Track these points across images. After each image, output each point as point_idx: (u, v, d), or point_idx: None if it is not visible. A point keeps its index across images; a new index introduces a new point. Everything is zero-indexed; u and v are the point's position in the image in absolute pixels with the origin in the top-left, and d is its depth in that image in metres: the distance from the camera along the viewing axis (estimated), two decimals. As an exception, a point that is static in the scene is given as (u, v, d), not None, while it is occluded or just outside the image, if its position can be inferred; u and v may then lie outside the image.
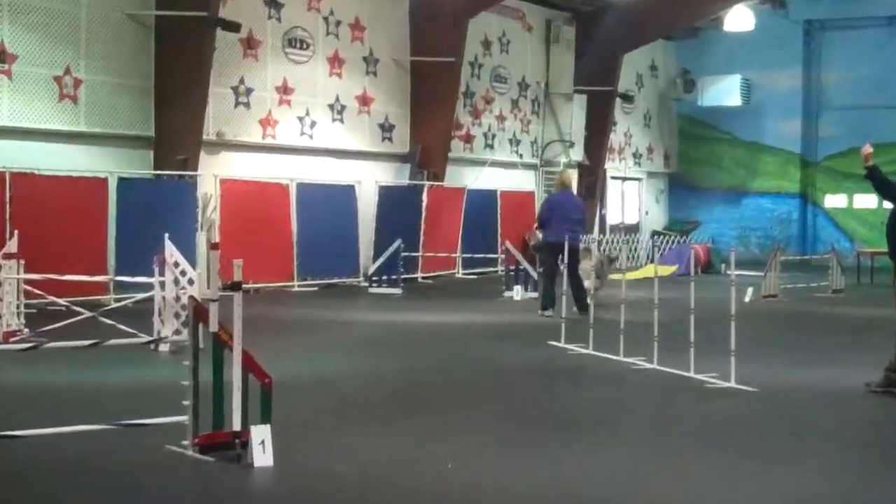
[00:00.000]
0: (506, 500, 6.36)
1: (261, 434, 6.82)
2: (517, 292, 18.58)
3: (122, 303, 13.87)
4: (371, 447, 7.49)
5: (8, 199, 15.54)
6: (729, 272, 10.37)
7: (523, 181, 26.92)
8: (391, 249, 19.61)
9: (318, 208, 20.17)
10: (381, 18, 22.77)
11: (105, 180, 16.86)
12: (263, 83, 20.36)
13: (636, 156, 31.68)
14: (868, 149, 9.89)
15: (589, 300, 14.76)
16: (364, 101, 22.50)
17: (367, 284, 20.23)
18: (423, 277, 22.42)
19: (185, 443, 6.98)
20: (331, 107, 21.80)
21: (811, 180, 31.62)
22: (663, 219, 32.93)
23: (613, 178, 30.54)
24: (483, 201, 24.33)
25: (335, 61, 21.85)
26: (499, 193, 25.02)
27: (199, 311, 7.08)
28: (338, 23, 21.91)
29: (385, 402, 9.39)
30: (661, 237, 28.96)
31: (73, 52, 17.19)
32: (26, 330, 12.50)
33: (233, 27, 18.82)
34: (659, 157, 32.72)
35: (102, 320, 12.31)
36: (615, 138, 30.28)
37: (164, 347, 11.53)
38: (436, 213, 22.70)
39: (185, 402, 6.98)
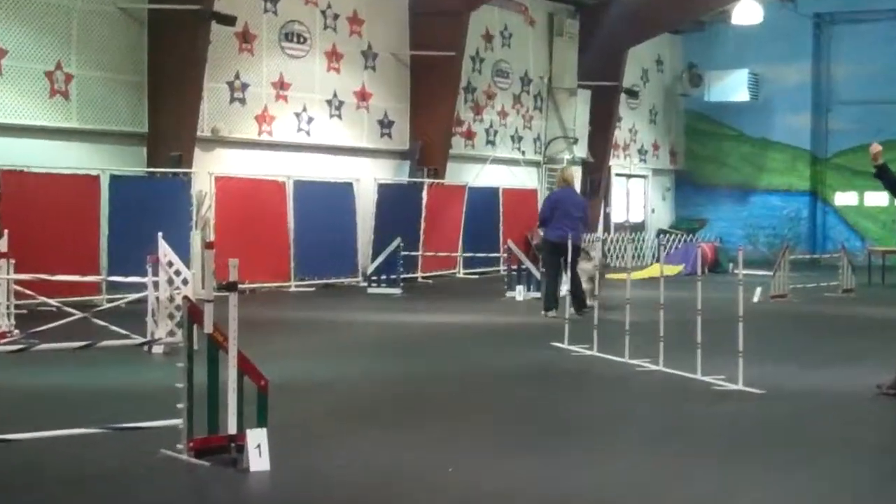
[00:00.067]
0: (508, 506, 6.37)
1: (257, 438, 6.82)
2: (519, 293, 18.58)
3: (115, 303, 13.88)
4: (370, 452, 7.49)
5: (-2, 198, 15.56)
6: (737, 272, 10.38)
7: (526, 178, 26.92)
8: (390, 248, 19.61)
9: (315, 206, 20.18)
10: (379, 12, 22.78)
11: (97, 178, 16.87)
12: (259, 78, 20.36)
13: (641, 152, 31.68)
14: (876, 147, 9.90)
15: (590, 301, 14.79)
16: (362, 96, 22.50)
17: (365, 284, 20.23)
18: (423, 277, 22.42)
19: (180, 447, 6.99)
20: (328, 102, 21.80)
21: (821, 177, 31.60)
22: (669, 217, 32.93)
23: (618, 175, 30.55)
24: (484, 199, 24.33)
25: (333, 56, 21.85)
26: (501, 191, 25.02)
27: (193, 312, 7.08)
28: (335, 16, 21.92)
29: (385, 406, 9.40)
30: (667, 236, 28.96)
31: (65, 46, 17.20)
32: (17, 331, 12.51)
33: (228, 21, 18.83)
34: (665, 154, 32.72)
35: (95, 321, 12.30)
36: (620, 134, 30.28)
37: (157, 349, 11.54)
38: (436, 211, 22.70)
39: (180, 405, 6.98)
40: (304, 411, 8.80)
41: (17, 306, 13.08)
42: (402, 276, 19.94)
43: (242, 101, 20.06)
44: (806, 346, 13.52)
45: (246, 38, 20.08)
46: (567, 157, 27.04)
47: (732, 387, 9.78)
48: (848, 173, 30.83)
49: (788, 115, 31.41)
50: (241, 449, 6.85)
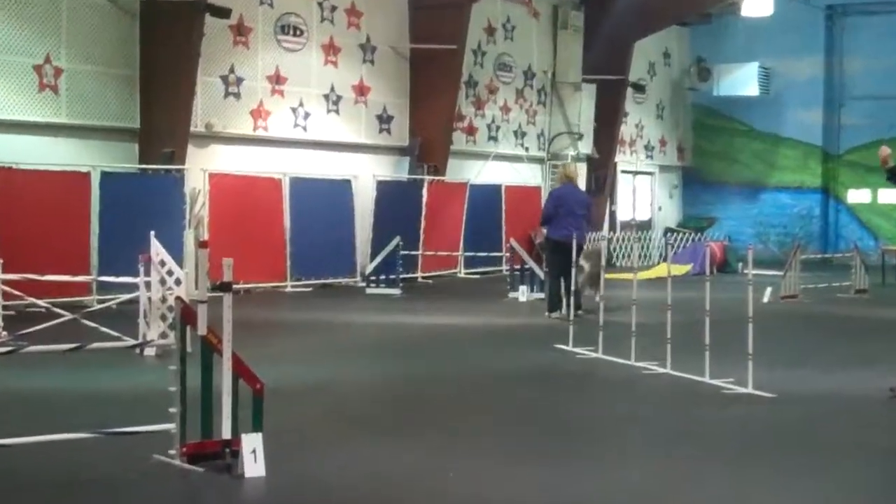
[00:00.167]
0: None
1: (252, 443, 6.82)
2: (523, 293, 18.58)
3: (106, 304, 13.88)
4: (369, 457, 7.49)
5: (-15, 195, 15.56)
6: (746, 271, 10.38)
7: (529, 175, 26.92)
8: (389, 248, 19.61)
9: (312, 204, 20.18)
10: (378, 3, 22.77)
11: (87, 175, 16.87)
12: (254, 72, 20.36)
13: (648, 149, 31.67)
14: (885, 151, 9.91)
15: (597, 298, 14.79)
16: (361, 90, 22.50)
17: (364, 285, 20.22)
18: (424, 277, 22.42)
19: (172, 452, 6.99)
20: (326, 97, 21.81)
21: (833, 174, 31.60)
22: (677, 215, 32.93)
23: (624, 172, 30.54)
24: (486, 197, 24.34)
25: (330, 49, 21.85)
26: (503, 188, 25.02)
27: (186, 313, 7.08)
28: (333, 8, 21.91)
29: (383, 410, 9.40)
30: (675, 235, 28.96)
31: (54, 39, 17.19)
32: (4, 333, 12.52)
33: (222, 13, 18.82)
34: (672, 150, 32.71)
35: (85, 323, 12.31)
36: (626, 130, 30.28)
37: (149, 351, 11.54)
38: (436, 209, 22.70)
39: (172, 409, 6.98)
40: (300, 415, 8.80)
41: (4, 307, 13.08)
42: (401, 276, 19.94)
43: (237, 95, 20.06)
44: (817, 348, 13.52)
45: (241, 30, 20.08)
46: (572, 153, 27.03)
47: (742, 390, 9.78)
48: (861, 170, 30.81)
49: (800, 111, 31.41)
50: (236, 454, 6.85)
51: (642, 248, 27.98)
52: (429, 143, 23.33)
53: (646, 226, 30.65)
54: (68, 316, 12.60)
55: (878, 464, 7.60)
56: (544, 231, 16.54)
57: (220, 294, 6.98)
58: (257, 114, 20.44)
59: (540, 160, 27.52)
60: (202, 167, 18.77)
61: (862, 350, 13.16)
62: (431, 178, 23.04)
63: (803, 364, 11.83)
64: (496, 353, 12.62)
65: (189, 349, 7.17)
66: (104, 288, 15.38)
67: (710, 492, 6.79)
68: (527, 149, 27.09)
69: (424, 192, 22.58)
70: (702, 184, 32.93)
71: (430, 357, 12.37)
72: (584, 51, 27.36)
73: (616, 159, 29.42)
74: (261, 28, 20.45)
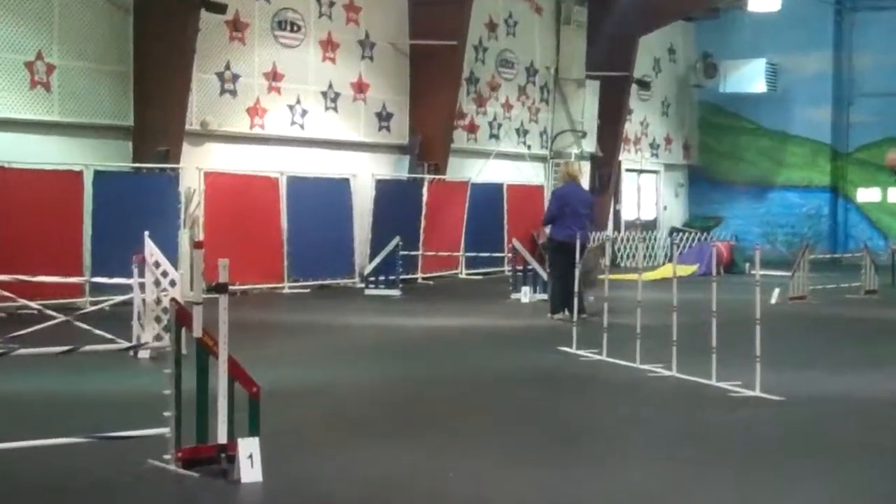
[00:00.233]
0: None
1: (248, 447, 6.82)
2: (525, 294, 18.59)
3: (99, 306, 13.88)
4: (368, 461, 7.50)
5: (-25, 195, 15.57)
6: (754, 272, 10.37)
7: (531, 174, 26.93)
8: (389, 248, 19.61)
9: (309, 204, 20.18)
10: (377, -1, 22.82)
11: (80, 174, 16.87)
12: (251, 69, 20.37)
13: (653, 147, 31.69)
14: (893, 159, 9.92)
15: (590, 297, 14.77)
16: (359, 87, 22.51)
17: (362, 286, 20.23)
18: (424, 278, 22.43)
19: (167, 457, 6.99)
20: (324, 94, 21.81)
21: (842, 173, 31.60)
22: (682, 215, 32.95)
23: (629, 170, 30.56)
24: (488, 196, 24.34)
25: (328, 45, 21.86)
26: (505, 187, 25.03)
27: (181, 315, 7.09)
28: (331, 3, 21.92)
29: (383, 413, 9.40)
30: (681, 234, 28.96)
31: (46, 35, 17.20)
32: (-4, 335, 12.52)
33: (218, 8, 18.82)
34: (678, 148, 32.72)
35: (78, 325, 12.32)
36: (630, 128, 30.29)
37: (144, 354, 11.53)
38: (437, 208, 22.71)
39: (167, 413, 6.98)
40: (297, 419, 8.80)
41: (-5, 309, 13.09)
42: (401, 277, 19.94)
43: (233, 92, 20.06)
44: (826, 350, 13.52)
45: (237, 26, 20.09)
46: (575, 151, 27.04)
47: (749, 393, 9.78)
48: (871, 168, 30.83)
49: (808, 108, 31.41)
50: (232, 459, 6.85)
51: (647, 248, 27.97)
52: (429, 142, 23.34)
53: (651, 225, 30.67)
54: (61, 318, 12.60)
55: (887, 467, 7.60)
56: (547, 231, 16.54)
57: (216, 295, 6.98)
58: (254, 111, 20.45)
59: (542, 158, 27.53)
60: (197, 166, 18.77)
61: (871, 352, 13.16)
62: (432, 176, 23.04)
63: (812, 366, 11.83)
64: (498, 355, 12.63)
65: (184, 352, 7.17)
66: (97, 289, 15.38)
67: (714, 495, 6.79)
68: (529, 147, 27.09)
69: (424, 191, 22.58)
70: (708, 182, 32.94)
71: (431, 359, 12.38)
72: (587, 47, 27.36)
73: (620, 157, 29.42)
74: (257, 24, 20.46)
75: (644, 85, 30.08)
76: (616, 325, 12.73)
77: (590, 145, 27.59)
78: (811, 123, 31.51)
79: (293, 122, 21.23)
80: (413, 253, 21.34)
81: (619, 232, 28.69)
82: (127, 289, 12.18)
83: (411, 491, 6.84)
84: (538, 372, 11.45)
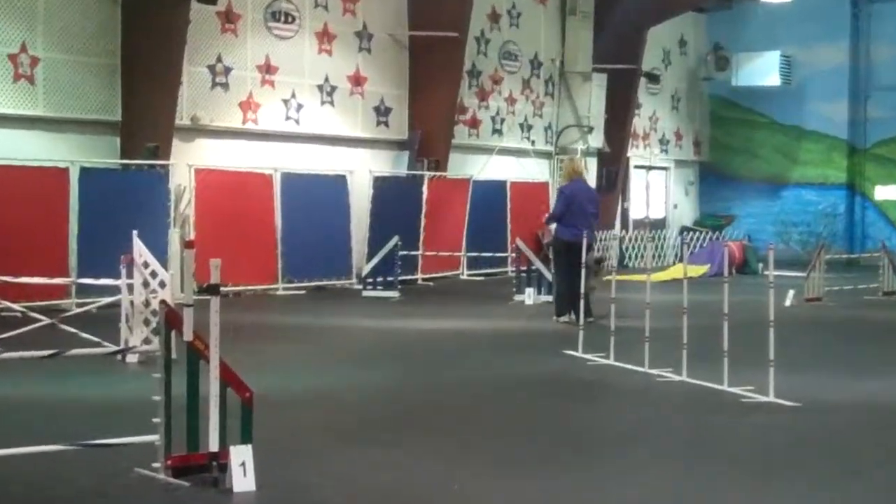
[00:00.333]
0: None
1: (241, 455, 6.82)
2: (529, 296, 18.59)
3: (86, 308, 13.86)
4: (366, 470, 7.49)
5: (-43, 192, 15.57)
6: (767, 273, 10.36)
7: (536, 171, 26.92)
8: (387, 248, 19.61)
9: (305, 202, 20.18)
10: (375, -12, 22.82)
11: (66, 170, 16.87)
12: (243, 61, 20.37)
13: (663, 142, 31.67)
14: None
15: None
16: (357, 81, 22.51)
17: (360, 287, 20.23)
18: (424, 279, 22.43)
19: (156, 465, 6.98)
20: (319, 88, 21.81)
21: (859, 169, 31.59)
22: (693, 213, 32.93)
23: (637, 167, 30.54)
24: (490, 194, 24.33)
25: (324, 37, 21.85)
26: (508, 185, 25.02)
27: (171, 318, 7.08)
28: (327, -7, 21.94)
29: (381, 419, 9.39)
30: (691, 234, 28.96)
31: (30, 26, 17.20)
32: (-23, 339, 12.51)
33: (209, -1, 18.85)
34: (688, 144, 32.71)
35: (63, 328, 12.31)
36: (639, 123, 30.28)
37: (132, 358, 11.54)
38: (437, 206, 22.71)
39: (156, 420, 6.98)
40: (292, 425, 8.80)
41: (-23, 311, 13.09)
42: (400, 278, 19.94)
43: (225, 86, 20.06)
44: (843, 353, 13.52)
45: (229, 17, 20.08)
46: (581, 147, 27.03)
47: (763, 398, 9.78)
48: (889, 165, 30.82)
49: (824, 102, 31.39)
50: (224, 467, 6.84)
51: (656, 248, 27.96)
52: (429, 137, 23.33)
53: (660, 224, 30.64)
54: (45, 321, 12.60)
55: (907, 477, 7.60)
56: (552, 229, 16.51)
57: (207, 297, 6.97)
58: (246, 106, 20.44)
59: (547, 154, 27.52)
60: (188, 162, 18.77)
61: (890, 355, 13.17)
62: (432, 173, 23.03)
63: (828, 370, 11.83)
64: (501, 360, 12.62)
65: (174, 356, 7.17)
66: (84, 291, 15.39)
67: (728, 507, 6.80)
68: (533, 143, 27.09)
69: (424, 188, 22.57)
70: (720, 179, 32.92)
71: (430, 363, 12.38)
72: (594, 38, 27.35)
73: (628, 154, 29.42)
74: (250, 14, 20.46)
75: (653, 78, 30.07)
76: (624, 327, 12.73)
77: (596, 141, 27.57)
78: (827, 118, 31.49)
79: (288, 117, 21.22)
80: (412, 253, 21.33)
81: (627, 231, 28.68)
82: (114, 290, 12.17)
83: (411, 500, 6.83)
84: (543, 377, 11.45)
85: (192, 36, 18.92)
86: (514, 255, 20.34)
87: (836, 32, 31.08)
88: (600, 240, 25.69)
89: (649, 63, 29.64)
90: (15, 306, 13.34)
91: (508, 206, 24.74)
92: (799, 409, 9.54)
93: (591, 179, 25.60)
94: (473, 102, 25.31)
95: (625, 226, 29.40)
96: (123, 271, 11.70)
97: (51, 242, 16.40)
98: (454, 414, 9.68)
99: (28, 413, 9.26)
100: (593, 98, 27.34)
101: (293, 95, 21.27)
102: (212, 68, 19.84)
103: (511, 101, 26.36)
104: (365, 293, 19.67)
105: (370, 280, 19.88)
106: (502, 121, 26.18)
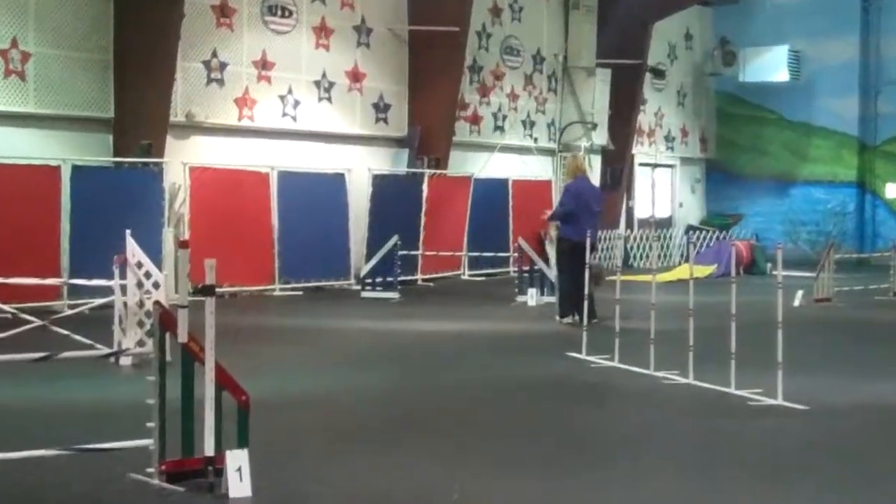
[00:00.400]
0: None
1: (237, 460, 6.82)
2: (532, 296, 18.59)
3: (78, 310, 13.86)
4: (364, 476, 7.49)
5: (-54, 191, 15.58)
6: (775, 273, 10.36)
7: (538, 169, 26.92)
8: (387, 248, 19.61)
9: (302, 200, 20.18)
10: (374, -18, 22.81)
11: (57, 169, 16.87)
12: (239, 57, 20.36)
13: (668, 139, 31.68)
14: None
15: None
16: (355, 77, 22.51)
17: (358, 288, 20.24)
18: (424, 280, 22.43)
19: (151, 470, 6.98)
20: (317, 84, 21.81)
21: (870, 166, 31.58)
22: (699, 212, 32.93)
23: (642, 165, 30.54)
24: (492, 192, 24.33)
25: (322, 31, 21.85)
26: (510, 183, 25.03)
27: (165, 319, 7.08)
28: (325, -13, 21.94)
29: (380, 423, 9.40)
30: (698, 233, 28.92)
31: (21, 21, 17.19)
32: (-33, 341, 12.51)
33: (204, -8, 18.85)
34: (694, 141, 32.71)
35: (55, 330, 12.31)
36: (644, 119, 30.28)
37: (125, 361, 11.55)
38: (438, 205, 22.71)
39: (150, 424, 6.98)
40: (289, 429, 8.80)
41: (-33, 313, 13.09)
42: (399, 279, 19.94)
43: (220, 82, 20.06)
44: (853, 355, 13.52)
45: (224, 11, 20.08)
46: (585, 144, 27.03)
47: (771, 401, 9.78)
48: (900, 162, 30.83)
49: (833, 98, 31.37)
50: (220, 472, 6.84)
51: (662, 247, 27.96)
52: (429, 134, 23.33)
53: (666, 223, 30.65)
54: (37, 322, 12.60)
55: (919, 482, 7.60)
56: (552, 229, 16.48)
57: (203, 298, 6.98)
58: (242, 102, 20.44)
59: (550, 152, 27.51)
60: (182, 160, 18.77)
61: (902, 358, 13.17)
62: (432, 171, 23.03)
63: (838, 373, 11.83)
64: (502, 362, 12.63)
65: (169, 358, 7.17)
66: (76, 292, 15.38)
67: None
68: (536, 140, 27.09)
69: (425, 186, 22.58)
70: (727, 177, 32.92)
71: (431, 366, 12.38)
72: (598, 33, 27.35)
73: (633, 151, 29.41)
74: (246, 9, 20.46)
75: (658, 73, 30.07)
76: (629, 329, 12.73)
77: (600, 138, 27.57)
78: (836, 114, 31.48)
79: (284, 114, 21.22)
80: (412, 253, 21.34)
81: (631, 230, 28.68)
82: (107, 291, 12.17)
83: (411, 506, 6.85)
84: (545, 379, 11.46)
85: (186, 30, 18.92)
86: (516, 255, 20.35)
87: (845, 26, 31.07)
88: (605, 239, 25.73)
89: (654, 58, 29.65)
90: (6, 307, 13.32)
91: (510, 204, 24.75)
92: (808, 413, 9.54)
93: (595, 177, 25.63)
94: (474, 98, 25.32)
95: (629, 225, 29.40)
96: (116, 272, 11.69)
97: (42, 242, 16.40)
98: (454, 418, 9.67)
99: (19, 417, 9.26)
100: (597, 94, 27.34)
101: (290, 91, 21.26)
102: (207, 64, 19.83)
103: (513, 97, 26.37)
104: (363, 294, 19.67)
105: (369, 281, 19.88)
106: (504, 117, 26.18)
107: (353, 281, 20.95)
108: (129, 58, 18.08)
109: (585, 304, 13.67)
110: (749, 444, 8.57)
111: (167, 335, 7.10)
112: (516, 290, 19.22)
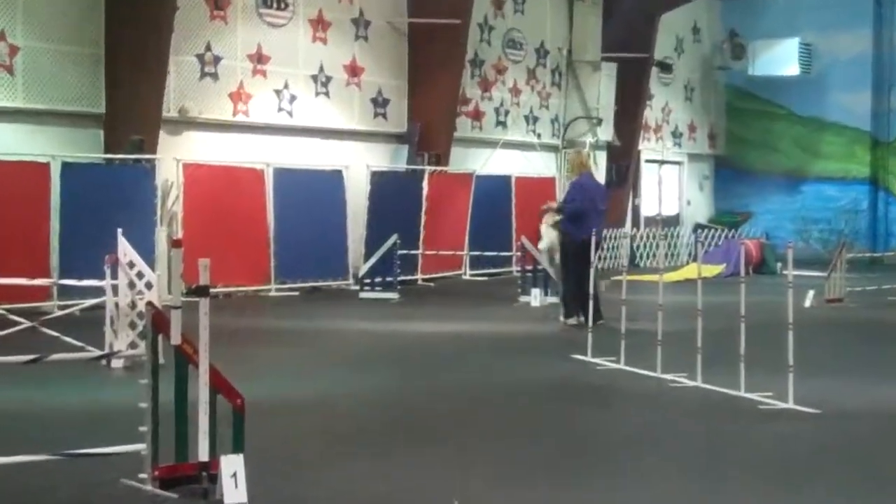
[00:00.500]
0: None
1: (232, 465, 6.82)
2: (535, 297, 18.59)
3: (68, 311, 13.88)
4: (363, 481, 7.50)
5: (-68, 189, 15.59)
6: (786, 272, 10.37)
7: (542, 165, 26.92)
8: (386, 247, 19.62)
9: (299, 198, 20.18)
10: (372, -27, 22.82)
11: (47, 166, 16.87)
12: (234, 50, 20.37)
13: (675, 135, 31.69)
14: None
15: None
16: (353, 71, 22.51)
17: (357, 288, 20.24)
18: (424, 280, 22.44)
19: (143, 476, 6.99)
20: (314, 78, 21.82)
21: (883, 163, 31.59)
22: (708, 210, 32.94)
23: (649, 161, 30.55)
24: (494, 189, 24.34)
25: (319, 24, 21.86)
26: (513, 180, 25.04)
27: (158, 321, 7.08)
28: (322, -22, 21.95)
29: (379, 427, 9.40)
30: (706, 231, 28.96)
31: (9, 13, 17.20)
32: (-46, 343, 12.51)
33: (197, -16, 18.86)
34: (703, 137, 32.72)
35: (44, 331, 12.30)
36: (651, 114, 30.30)
37: (117, 363, 11.55)
38: (438, 203, 22.72)
39: (143, 428, 6.98)
40: (286, 434, 8.81)
41: (-46, 314, 13.08)
42: (399, 279, 19.95)
43: (214, 76, 20.06)
44: (865, 357, 13.51)
45: (218, 3, 20.08)
46: (590, 140, 27.04)
47: (782, 405, 9.78)
48: (915, 159, 30.84)
49: (845, 92, 31.39)
50: (214, 478, 6.84)
51: (669, 246, 27.96)
52: (429, 130, 23.34)
53: (673, 222, 30.65)
54: (26, 324, 12.60)
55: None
56: (551, 224, 16.44)
57: (196, 299, 6.97)
58: (237, 97, 20.45)
59: (554, 148, 27.53)
60: (175, 156, 18.77)
61: (916, 360, 13.17)
62: (433, 168, 23.04)
63: (850, 375, 11.82)
64: (505, 364, 12.63)
65: (161, 360, 7.17)
66: (66, 292, 15.39)
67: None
68: (539, 136, 27.09)
69: (425, 184, 22.58)
70: (736, 174, 32.93)
71: (431, 368, 12.39)
72: (603, 25, 27.36)
73: (639, 147, 29.42)
74: (240, 1, 20.45)
75: (665, 67, 30.08)
76: (635, 330, 12.72)
77: (606, 134, 27.59)
78: (848, 109, 31.49)
79: (280, 109, 21.22)
80: (412, 252, 21.34)
81: (638, 229, 28.68)
82: (99, 292, 12.17)
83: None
84: (549, 381, 11.46)
85: (179, 23, 18.93)
86: (519, 254, 20.36)
87: (858, 19, 31.08)
88: (610, 238, 25.71)
89: (661, 51, 29.66)
90: (-7, 309, 13.34)
91: (513, 202, 24.76)
92: (820, 416, 9.54)
93: (601, 174, 25.63)
94: (476, 93, 25.32)
95: (636, 223, 29.40)
96: (108, 272, 11.69)
97: (31, 241, 16.40)
98: (455, 421, 9.67)
99: (8, 421, 9.25)
100: (602, 88, 27.35)
101: (286, 86, 21.27)
102: (200, 57, 19.83)
103: (516, 91, 26.37)
104: (362, 294, 19.68)
105: (367, 281, 19.89)
106: (506, 112, 26.19)
107: (351, 281, 20.95)
108: (120, 51, 18.08)
109: (591, 304, 13.65)
110: (758, 448, 8.57)
111: (160, 337, 7.10)
112: (519, 290, 19.23)
